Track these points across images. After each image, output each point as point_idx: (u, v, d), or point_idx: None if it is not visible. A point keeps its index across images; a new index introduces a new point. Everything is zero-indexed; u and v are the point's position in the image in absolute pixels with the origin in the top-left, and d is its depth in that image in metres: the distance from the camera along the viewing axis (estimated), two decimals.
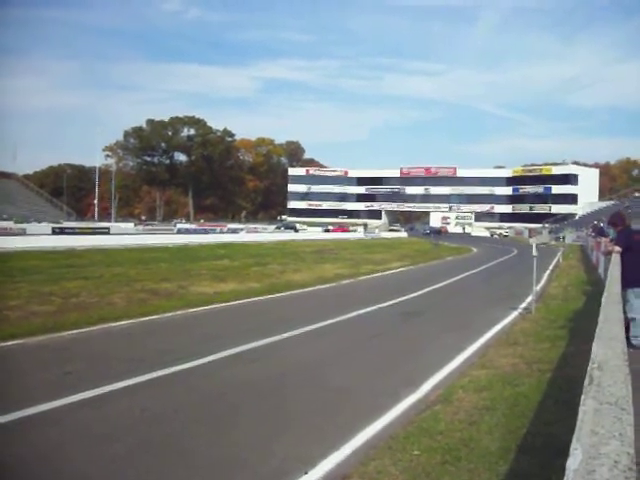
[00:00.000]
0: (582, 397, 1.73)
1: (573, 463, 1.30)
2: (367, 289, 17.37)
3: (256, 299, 13.96)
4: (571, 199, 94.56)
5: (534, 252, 12.99)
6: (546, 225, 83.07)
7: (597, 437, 1.39)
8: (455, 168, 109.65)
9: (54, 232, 47.15)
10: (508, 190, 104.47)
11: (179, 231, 64.04)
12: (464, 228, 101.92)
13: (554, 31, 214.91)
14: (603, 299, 4.55)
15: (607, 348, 2.41)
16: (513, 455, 4.39)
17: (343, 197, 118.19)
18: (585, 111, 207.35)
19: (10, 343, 8.33)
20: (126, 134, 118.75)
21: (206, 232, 59.96)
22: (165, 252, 29.29)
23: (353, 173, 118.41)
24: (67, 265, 19.52)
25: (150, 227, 72.90)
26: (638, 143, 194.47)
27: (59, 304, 11.77)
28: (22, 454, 4.51)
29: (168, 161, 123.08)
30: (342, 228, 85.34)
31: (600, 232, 25.00)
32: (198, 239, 43.07)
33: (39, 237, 35.67)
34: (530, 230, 72.86)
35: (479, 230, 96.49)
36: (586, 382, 1.89)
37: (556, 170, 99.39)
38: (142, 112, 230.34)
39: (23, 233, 43.79)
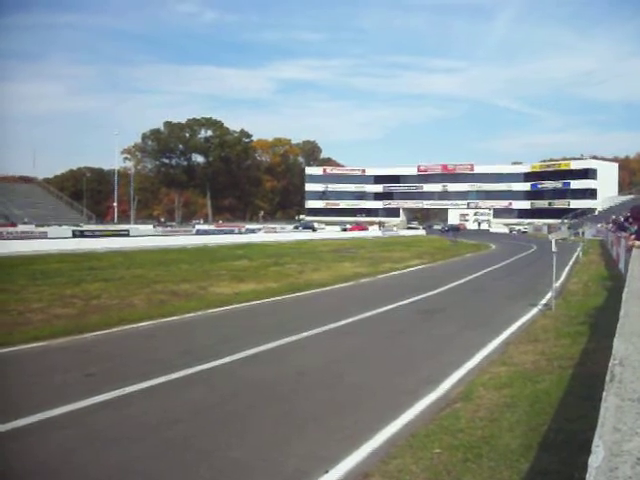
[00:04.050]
0: (604, 394, 1.72)
1: (595, 460, 1.29)
2: (386, 287, 17.33)
3: (275, 299, 13.98)
4: (590, 194, 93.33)
5: (553, 248, 12.87)
6: (565, 220, 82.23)
7: (619, 434, 1.39)
8: (472, 165, 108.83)
9: (74, 235, 47.72)
10: (526, 186, 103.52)
11: (198, 232, 64.39)
12: (479, 224, 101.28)
13: (570, 24, 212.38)
14: (624, 294, 4.51)
15: (628, 344, 2.39)
16: (534, 452, 4.35)
17: (361, 196, 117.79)
18: (603, 105, 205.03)
19: (33, 345, 8.46)
20: (144, 136, 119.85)
21: (224, 233, 60.23)
22: (184, 253, 29.47)
23: (370, 171, 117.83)
24: (88, 267, 19.74)
25: (169, 229, 73.26)
26: None
27: (80, 306, 11.91)
28: (45, 455, 4.56)
29: (186, 163, 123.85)
30: (360, 227, 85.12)
31: (620, 227, 24.68)
32: (217, 240, 43.21)
33: (60, 240, 36.14)
34: (549, 226, 72.25)
35: (498, 227, 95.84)
36: (607, 378, 1.88)
37: (575, 165, 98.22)
38: (159, 114, 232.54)
39: (44, 236, 44.31)
